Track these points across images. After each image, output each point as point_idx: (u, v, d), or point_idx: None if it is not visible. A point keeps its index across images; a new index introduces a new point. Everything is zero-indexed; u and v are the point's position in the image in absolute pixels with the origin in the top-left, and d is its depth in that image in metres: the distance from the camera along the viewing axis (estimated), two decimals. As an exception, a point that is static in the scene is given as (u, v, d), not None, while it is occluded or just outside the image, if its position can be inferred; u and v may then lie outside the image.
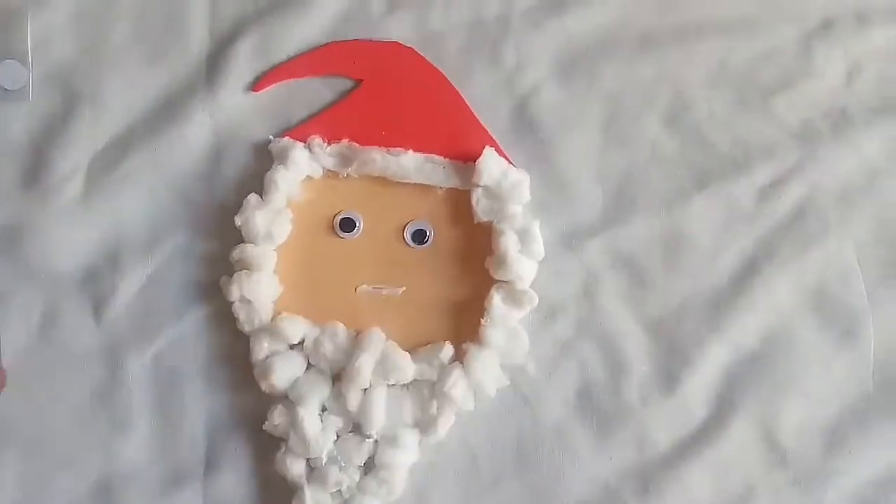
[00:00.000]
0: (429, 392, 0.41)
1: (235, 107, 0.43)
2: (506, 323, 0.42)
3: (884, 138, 0.44)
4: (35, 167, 0.42)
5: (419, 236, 0.43)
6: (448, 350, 0.41)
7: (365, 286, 0.42)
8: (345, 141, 0.43)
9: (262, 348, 0.41)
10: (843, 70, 0.44)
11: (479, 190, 0.42)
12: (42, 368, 0.42)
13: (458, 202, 0.43)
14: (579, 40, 0.44)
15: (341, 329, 0.41)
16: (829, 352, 0.43)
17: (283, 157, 0.42)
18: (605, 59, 0.44)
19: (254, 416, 0.41)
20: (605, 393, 0.42)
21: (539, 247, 0.42)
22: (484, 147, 0.42)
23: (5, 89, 0.42)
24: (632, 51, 0.44)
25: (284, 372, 0.41)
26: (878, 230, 0.43)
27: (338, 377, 0.41)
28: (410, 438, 0.41)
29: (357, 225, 0.43)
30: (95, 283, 0.42)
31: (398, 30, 0.44)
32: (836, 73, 0.44)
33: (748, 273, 0.43)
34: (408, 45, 0.43)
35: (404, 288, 0.42)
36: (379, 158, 0.42)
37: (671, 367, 0.42)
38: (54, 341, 0.42)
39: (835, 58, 0.44)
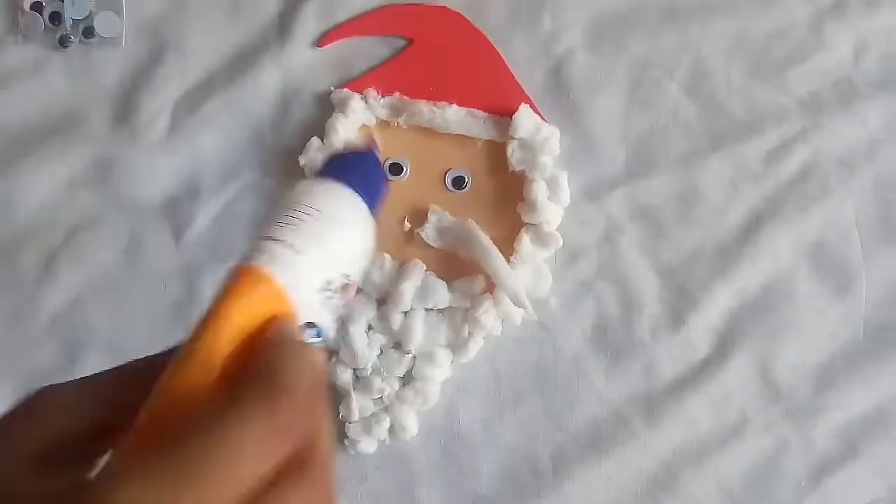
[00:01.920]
0: (461, 318, 0.47)
1: (302, 60, 0.49)
2: (532, 261, 0.47)
3: (885, 111, 0.48)
4: (126, 107, 0.49)
5: (458, 182, 0.48)
6: (480, 282, 0.47)
7: (408, 224, 0.48)
8: (396, 94, 0.48)
9: None
10: (850, 47, 0.49)
11: (515, 142, 0.47)
12: (126, 284, 0.48)
13: (495, 153, 0.48)
14: (610, 11, 0.49)
15: (388, 259, 0.47)
16: (824, 301, 0.48)
17: (342, 107, 0.48)
18: (632, 28, 0.49)
19: None
20: (618, 328, 0.48)
21: (566, 195, 0.47)
22: (520, 104, 0.47)
23: (102, 37, 0.49)
24: (657, 22, 0.49)
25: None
26: (875, 194, 0.48)
27: (383, 301, 0.47)
28: (444, 357, 0.47)
29: (404, 169, 0.48)
30: (175, 211, 0.48)
31: None
32: (844, 49, 0.49)
33: (754, 227, 0.48)
34: (455, 10, 0.49)
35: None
36: (426, 111, 0.48)
37: (679, 307, 0.48)
38: (138, 261, 0.48)
39: (844, 35, 0.49)
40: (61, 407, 0.26)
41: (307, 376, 0.24)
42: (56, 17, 0.49)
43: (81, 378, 0.27)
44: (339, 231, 0.29)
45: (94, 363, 0.47)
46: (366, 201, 0.31)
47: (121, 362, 0.46)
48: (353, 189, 0.31)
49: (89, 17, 0.49)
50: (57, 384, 0.26)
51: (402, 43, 0.49)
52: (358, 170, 0.32)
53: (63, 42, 0.49)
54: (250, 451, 0.21)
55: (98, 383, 0.27)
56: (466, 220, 0.46)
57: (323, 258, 0.28)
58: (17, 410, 0.25)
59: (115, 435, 0.24)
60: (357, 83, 0.48)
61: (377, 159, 0.34)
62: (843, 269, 0.48)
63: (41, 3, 0.49)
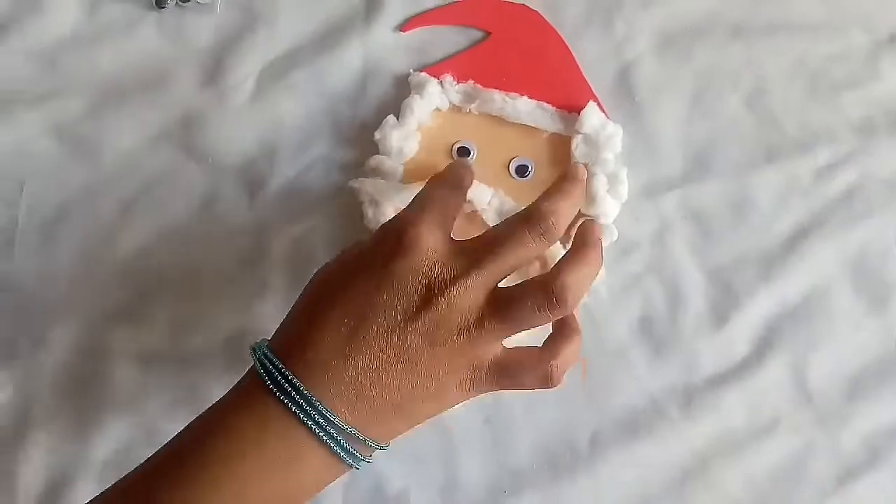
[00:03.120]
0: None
1: (385, 42, 0.52)
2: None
3: None
4: (215, 70, 0.51)
5: (522, 170, 0.51)
6: (535, 266, 0.49)
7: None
8: (471, 81, 0.51)
9: None
10: None
11: (580, 136, 0.50)
12: (200, 235, 0.50)
13: (559, 145, 0.51)
14: (680, 22, 0.52)
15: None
16: (860, 315, 0.50)
17: (419, 89, 0.51)
18: (700, 41, 0.52)
19: None
20: (663, 322, 0.50)
21: (624, 190, 0.50)
22: (588, 101, 0.50)
23: (198, 2, 0.52)
24: (724, 37, 0.52)
25: None
26: None
27: (442, 275, 0.50)
28: (497, 335, 0.49)
29: (471, 153, 0.51)
30: (252, 172, 0.51)
31: None
32: None
33: (799, 239, 0.51)
34: (533, 8, 0.52)
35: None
36: (498, 99, 0.51)
37: (723, 307, 0.50)
38: (211, 217, 0.51)
39: None
40: None
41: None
42: (155, -20, 0.51)
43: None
44: None
45: (161, 310, 0.50)
46: None
47: (184, 310, 0.49)
48: None
49: (188, -18, 0.51)
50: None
51: (480, 35, 0.52)
52: None
53: (160, 3, 0.52)
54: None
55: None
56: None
57: None
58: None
59: None
60: (434, 68, 0.51)
61: None
62: (880, 285, 0.50)
63: (142, -35, 0.52)
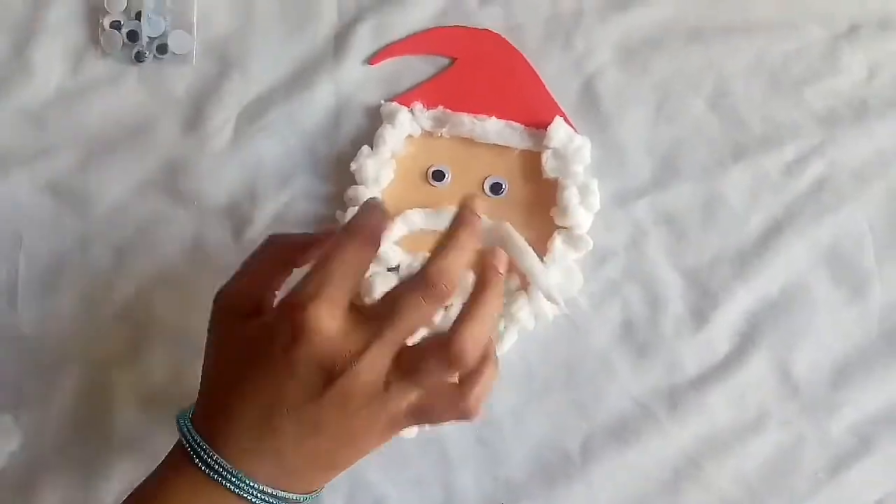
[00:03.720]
0: (498, 313, 0.51)
1: (355, 76, 0.54)
2: (564, 262, 0.51)
3: (895, 128, 0.52)
4: (194, 118, 0.54)
5: (496, 188, 0.53)
6: (515, 280, 0.51)
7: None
8: (440, 107, 0.53)
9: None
10: (865, 68, 0.53)
11: (549, 151, 0.52)
12: (189, 278, 0.52)
13: (530, 162, 0.52)
14: (638, 32, 0.53)
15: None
16: (839, 304, 0.51)
17: (390, 118, 0.53)
18: (659, 48, 0.53)
19: None
20: (644, 326, 0.51)
21: (596, 201, 0.51)
22: (554, 117, 0.52)
23: (174, 54, 0.54)
24: (682, 43, 0.53)
25: (383, 289, 0.51)
26: (887, 204, 0.52)
27: (425, 297, 0.51)
28: (481, 350, 0.51)
29: (446, 176, 0.53)
30: (237, 212, 0.53)
31: (489, 19, 0.54)
32: (858, 70, 0.53)
33: (772, 234, 0.52)
34: (496, 32, 0.54)
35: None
36: (467, 122, 0.52)
37: (702, 307, 0.51)
38: (200, 257, 0.53)
39: (858, 57, 0.53)
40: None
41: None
42: (133, 35, 0.54)
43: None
44: None
45: (158, 350, 0.52)
46: None
47: (183, 349, 0.51)
48: None
49: (163, 35, 0.54)
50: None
51: (446, 61, 0.54)
52: None
53: (139, 58, 0.54)
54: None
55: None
56: (503, 222, 0.50)
57: None
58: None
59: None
60: (404, 97, 0.53)
61: None
62: (856, 274, 0.51)
63: (120, 22, 0.54)
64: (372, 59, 0.54)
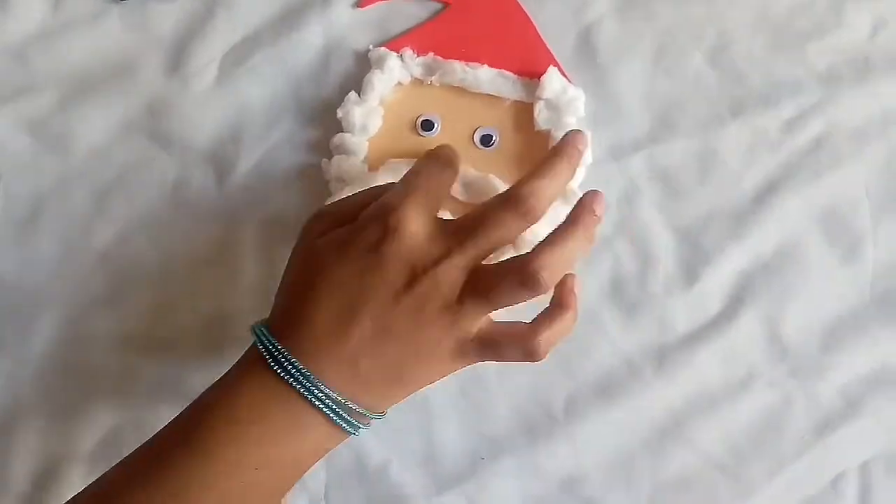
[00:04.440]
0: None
1: (344, 20, 0.52)
2: (554, 215, 0.50)
3: None
4: (177, 57, 0.52)
5: (486, 140, 0.52)
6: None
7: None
8: (431, 54, 0.52)
9: None
10: (868, 24, 0.52)
11: (541, 102, 0.50)
12: (174, 221, 0.51)
13: (522, 113, 0.51)
14: None
15: (417, 209, 0.51)
16: (833, 265, 0.50)
17: (379, 64, 0.51)
18: None
19: None
20: (634, 282, 0.51)
21: (588, 154, 0.50)
22: (548, 66, 0.51)
23: (159, -8, 0.52)
24: None
25: None
26: (886, 165, 0.51)
27: (411, 248, 0.50)
28: (467, 303, 0.50)
29: (435, 126, 0.52)
30: (220, 156, 0.52)
31: None
32: (862, 26, 0.52)
33: (768, 193, 0.51)
34: (491, -22, 0.52)
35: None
36: (458, 70, 0.51)
37: (693, 265, 0.50)
38: (183, 201, 0.51)
39: (862, 13, 0.52)
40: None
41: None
42: (116, -28, 0.52)
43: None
44: None
45: (140, 296, 0.51)
46: None
47: (163, 294, 0.50)
48: None
49: (147, -29, 0.52)
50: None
51: (438, 6, 0.52)
52: None
53: (122, -6, 0.52)
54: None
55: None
56: (487, 175, 0.49)
57: None
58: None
59: None
60: (394, 43, 0.52)
61: None
62: (851, 235, 0.51)
63: (103, -43, 0.52)
64: (361, 2, 0.52)
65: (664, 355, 0.50)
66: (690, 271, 0.50)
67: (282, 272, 0.50)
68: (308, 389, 0.38)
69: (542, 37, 0.52)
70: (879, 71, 0.51)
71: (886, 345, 0.50)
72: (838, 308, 0.50)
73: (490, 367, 0.49)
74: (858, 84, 0.51)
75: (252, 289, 0.51)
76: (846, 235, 0.51)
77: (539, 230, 0.49)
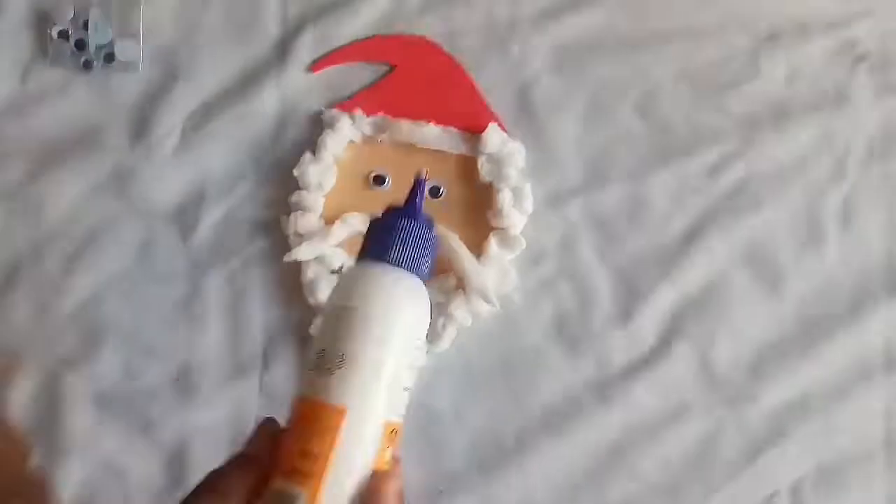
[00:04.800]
0: (437, 311, 0.53)
1: (298, 83, 0.56)
2: (499, 262, 0.54)
3: (814, 131, 0.56)
4: (142, 125, 0.56)
5: (434, 191, 0.55)
6: (452, 280, 0.54)
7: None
8: (380, 113, 0.55)
9: (311, 273, 0.53)
10: (784, 72, 0.56)
11: (484, 156, 0.54)
12: (139, 281, 0.54)
13: (467, 166, 0.55)
14: (571, 41, 0.56)
15: (371, 260, 0.54)
16: (758, 299, 0.54)
17: (332, 124, 0.55)
18: (590, 57, 0.56)
19: (302, 324, 0.54)
20: (575, 321, 0.54)
21: (529, 203, 0.54)
22: (489, 123, 0.54)
23: (122, 62, 0.56)
24: (613, 51, 0.56)
25: (327, 291, 0.53)
26: (804, 204, 0.55)
27: (366, 297, 0.54)
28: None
29: (386, 180, 0.55)
30: (184, 217, 0.55)
31: (428, 27, 0.56)
32: (778, 74, 0.56)
33: (695, 234, 0.55)
34: (434, 40, 0.56)
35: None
36: (406, 128, 0.55)
37: (629, 304, 0.54)
38: (150, 261, 0.55)
39: (778, 62, 0.56)
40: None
41: None
42: (81, 44, 0.56)
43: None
44: (408, 331, 0.34)
45: (111, 352, 0.54)
46: (422, 275, 0.36)
47: (133, 352, 0.53)
48: (412, 270, 0.35)
49: (110, 44, 0.56)
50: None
51: (386, 68, 0.56)
52: (409, 241, 0.36)
53: (87, 66, 0.56)
54: None
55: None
56: (438, 225, 0.53)
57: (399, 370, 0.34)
58: None
59: None
60: (345, 104, 0.55)
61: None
62: (773, 270, 0.54)
63: (68, 31, 0.56)
64: (314, 67, 0.56)
65: (604, 389, 0.54)
66: (626, 309, 0.54)
67: (245, 325, 0.54)
68: None
69: (483, 94, 0.55)
70: (795, 116, 0.56)
71: (807, 373, 0.53)
72: (763, 339, 0.54)
73: (447, 405, 0.53)
74: (776, 129, 0.56)
75: (218, 341, 0.54)
76: (769, 271, 0.54)
77: (486, 276, 0.53)
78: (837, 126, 0.56)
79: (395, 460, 0.36)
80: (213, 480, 0.34)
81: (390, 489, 0.34)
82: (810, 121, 0.56)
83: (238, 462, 0.35)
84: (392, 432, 0.35)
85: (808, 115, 0.56)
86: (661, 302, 0.54)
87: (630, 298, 0.54)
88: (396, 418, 0.35)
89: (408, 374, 0.35)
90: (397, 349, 0.34)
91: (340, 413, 0.33)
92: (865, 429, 0.53)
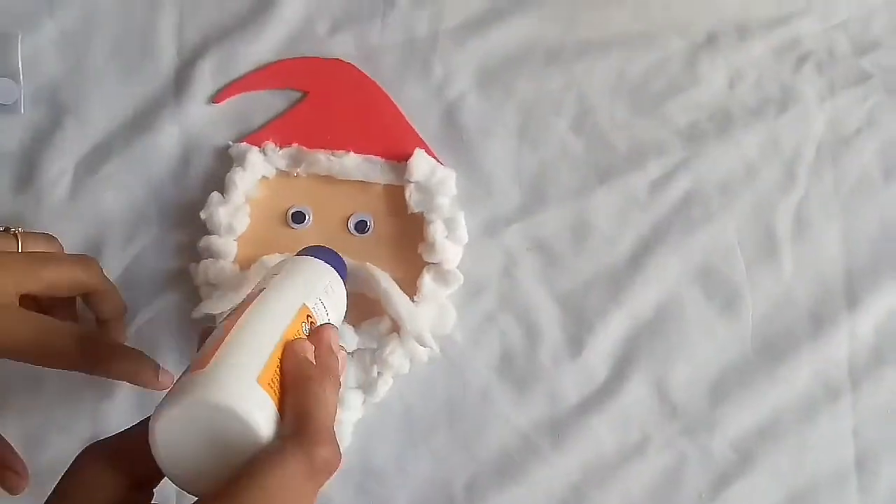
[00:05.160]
0: (370, 358, 0.50)
1: (200, 116, 0.52)
2: (436, 299, 0.50)
3: (760, 137, 0.54)
4: (27, 172, 0.51)
5: (361, 226, 0.51)
6: (386, 322, 0.50)
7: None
8: (294, 145, 0.51)
9: None
10: (725, 77, 0.54)
11: (412, 185, 0.51)
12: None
13: (394, 196, 0.51)
14: (497, 56, 0.53)
15: (294, 306, 0.49)
16: (714, 320, 0.52)
17: (241, 160, 0.51)
18: (519, 71, 0.53)
19: None
20: (522, 357, 0.51)
21: (463, 233, 0.51)
22: (415, 148, 0.51)
23: (1, 104, 0.50)
24: (542, 64, 0.53)
25: None
26: (755, 216, 0.53)
27: (292, 347, 0.49)
28: (355, 399, 0.50)
29: (307, 217, 0.51)
30: None
31: (340, 48, 0.53)
32: (719, 79, 0.54)
33: (643, 254, 0.52)
34: (348, 62, 0.52)
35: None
36: (324, 159, 0.51)
37: (578, 334, 0.51)
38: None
39: (718, 66, 0.54)
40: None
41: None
42: (-49, 86, 0.50)
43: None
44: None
45: (9, 426, 0.48)
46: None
47: (31, 423, 0.48)
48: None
49: (-15, 84, 0.50)
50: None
51: (297, 95, 0.52)
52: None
53: (-40, 110, 0.50)
54: None
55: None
56: (365, 264, 0.49)
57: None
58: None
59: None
60: (255, 136, 0.51)
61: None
62: (728, 288, 0.52)
63: (-64, 72, 0.50)
64: (217, 97, 0.52)
65: (558, 427, 0.51)
66: (575, 340, 0.52)
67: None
68: None
69: (407, 118, 0.52)
70: (740, 122, 0.54)
71: (771, 395, 0.52)
72: (722, 362, 0.52)
73: (389, 459, 0.49)
74: (720, 137, 0.53)
75: (128, 405, 0.50)
76: (723, 288, 0.52)
77: (421, 317, 0.48)
78: (785, 130, 0.54)
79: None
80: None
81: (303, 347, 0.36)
82: (756, 126, 0.54)
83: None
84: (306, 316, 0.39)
85: (753, 120, 0.54)
86: (613, 329, 0.52)
87: (579, 328, 0.51)
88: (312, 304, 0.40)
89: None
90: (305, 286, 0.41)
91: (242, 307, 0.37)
92: (836, 451, 0.51)
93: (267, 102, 0.52)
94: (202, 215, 0.50)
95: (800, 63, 0.54)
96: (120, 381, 0.49)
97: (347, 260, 0.49)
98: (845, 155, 0.54)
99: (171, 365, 0.49)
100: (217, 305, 0.48)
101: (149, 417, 0.33)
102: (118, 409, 0.49)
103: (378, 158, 0.52)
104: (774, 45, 0.54)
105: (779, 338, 0.52)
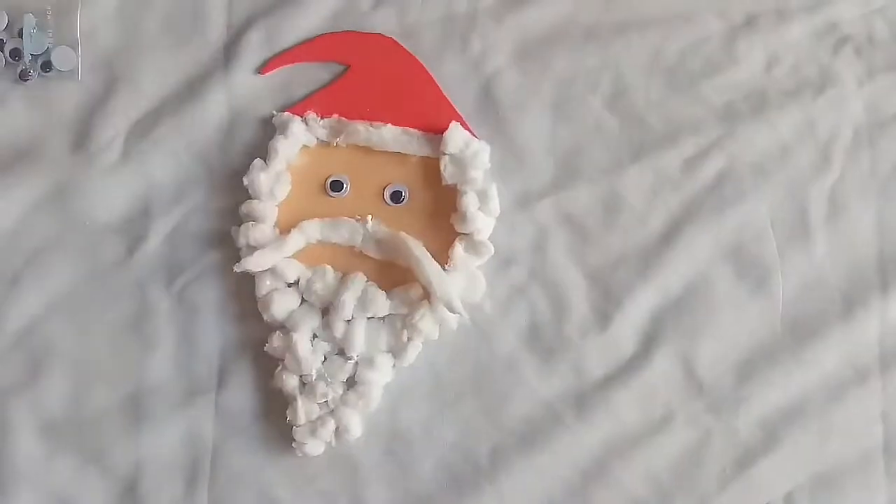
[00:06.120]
0: (401, 324, 0.52)
1: (246, 86, 0.55)
2: (466, 269, 0.52)
3: (796, 118, 0.55)
4: (82, 135, 0.55)
5: (396, 196, 0.53)
6: (417, 289, 0.51)
7: (350, 237, 0.52)
8: (335, 115, 0.53)
9: (265, 286, 0.52)
10: (762, 59, 0.55)
11: (447, 157, 0.52)
12: (85, 300, 0.54)
13: (430, 168, 0.53)
14: (535, 32, 0.55)
15: (329, 271, 0.52)
16: (743, 299, 0.53)
17: (283, 129, 0.53)
18: (556, 48, 0.55)
19: (257, 341, 0.53)
20: (549, 329, 0.53)
21: (496, 205, 0.52)
22: (451, 121, 0.52)
23: (59, 70, 0.54)
24: (579, 42, 0.55)
25: (282, 305, 0.52)
26: (788, 196, 0.54)
27: (326, 310, 0.51)
28: (385, 362, 0.51)
29: (344, 186, 0.53)
30: (130, 230, 0.54)
31: (382, 23, 0.55)
32: (756, 61, 0.55)
33: (673, 231, 0.53)
34: (389, 36, 0.54)
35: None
36: (363, 130, 0.53)
37: (606, 308, 0.53)
38: (96, 277, 0.54)
39: (756, 48, 0.55)
40: None
41: None
42: (16, 53, 0.54)
43: None
44: None
45: (57, 377, 0.52)
46: None
47: (81, 375, 0.50)
48: None
49: (47, 52, 0.54)
50: None
51: (339, 68, 0.54)
52: None
53: (23, 76, 0.54)
54: None
55: None
56: (398, 233, 0.50)
57: None
58: None
59: None
60: (298, 107, 0.54)
61: None
62: (759, 267, 0.53)
63: (2, 39, 0.54)
64: (263, 69, 0.54)
65: (583, 400, 0.52)
66: (603, 314, 0.53)
67: (198, 343, 0.51)
68: None
69: (444, 92, 0.54)
70: (776, 104, 0.55)
71: (800, 375, 0.52)
72: (750, 341, 0.52)
73: (416, 423, 0.51)
74: (756, 118, 0.54)
75: (169, 359, 0.53)
76: (754, 268, 0.53)
77: (452, 285, 0.50)
78: (821, 113, 0.55)
79: None
80: None
81: None
82: (791, 108, 0.55)
83: None
84: None
85: (788, 102, 0.55)
86: (641, 305, 0.53)
87: (607, 303, 0.52)
88: None
89: None
90: None
91: None
92: (863, 434, 0.52)
93: (310, 74, 0.55)
94: (245, 181, 0.53)
95: (838, 47, 0.55)
96: (163, 334, 0.52)
97: (382, 228, 0.51)
98: (883, 139, 0.54)
99: (210, 319, 0.51)
100: (255, 263, 0.51)
101: None
102: (160, 363, 0.52)
103: (415, 131, 0.54)
104: (813, 28, 0.55)
105: (809, 318, 0.53)
